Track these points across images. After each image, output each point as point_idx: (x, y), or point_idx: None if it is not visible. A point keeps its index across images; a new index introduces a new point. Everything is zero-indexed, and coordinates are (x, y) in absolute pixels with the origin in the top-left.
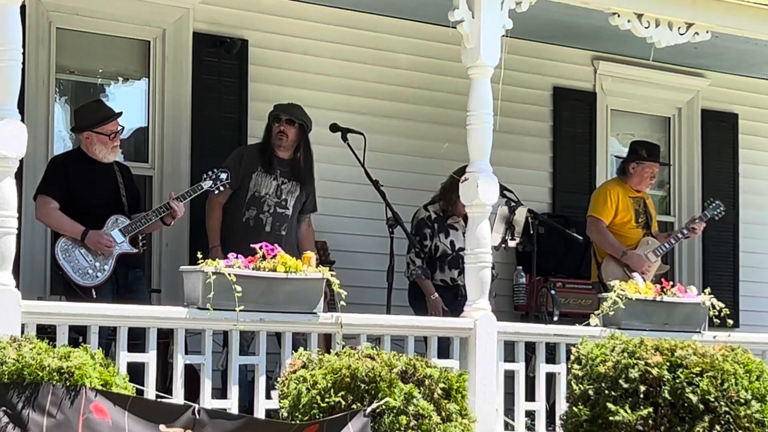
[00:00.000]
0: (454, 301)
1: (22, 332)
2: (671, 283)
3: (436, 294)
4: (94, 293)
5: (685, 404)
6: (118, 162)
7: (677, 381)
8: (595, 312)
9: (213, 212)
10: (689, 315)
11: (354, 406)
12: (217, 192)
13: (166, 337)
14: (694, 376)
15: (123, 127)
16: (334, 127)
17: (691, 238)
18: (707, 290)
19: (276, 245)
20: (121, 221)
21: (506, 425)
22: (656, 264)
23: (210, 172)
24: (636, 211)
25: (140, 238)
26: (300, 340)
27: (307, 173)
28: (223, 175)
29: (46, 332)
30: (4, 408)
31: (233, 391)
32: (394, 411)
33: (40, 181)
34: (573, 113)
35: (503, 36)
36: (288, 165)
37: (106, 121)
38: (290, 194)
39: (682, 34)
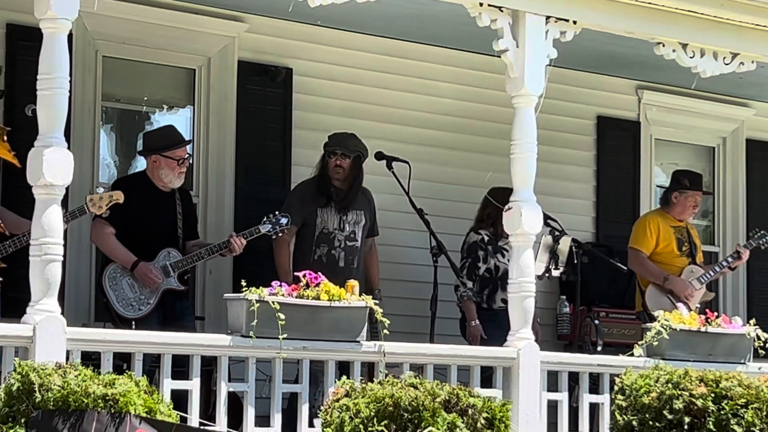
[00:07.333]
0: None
1: (67, 359)
2: (716, 313)
3: (477, 321)
4: (133, 325)
5: None
6: (180, 189)
7: (722, 413)
8: (639, 342)
9: (281, 251)
10: (734, 346)
11: None
12: (274, 237)
13: (209, 364)
14: (739, 407)
15: (191, 155)
16: (379, 156)
17: (736, 269)
18: (752, 321)
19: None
20: (173, 255)
21: None
22: (701, 291)
23: (271, 215)
24: (679, 240)
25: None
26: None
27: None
28: (284, 221)
29: (91, 359)
30: None
31: (276, 419)
32: None
33: None
34: (617, 142)
35: (547, 65)
36: (346, 195)
37: (177, 146)
38: (356, 225)
39: (727, 64)
